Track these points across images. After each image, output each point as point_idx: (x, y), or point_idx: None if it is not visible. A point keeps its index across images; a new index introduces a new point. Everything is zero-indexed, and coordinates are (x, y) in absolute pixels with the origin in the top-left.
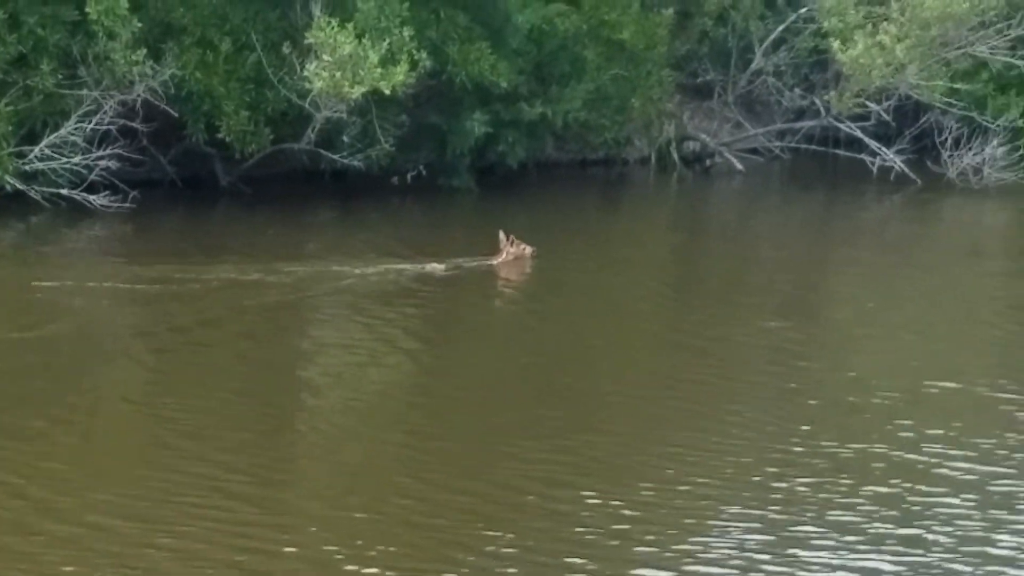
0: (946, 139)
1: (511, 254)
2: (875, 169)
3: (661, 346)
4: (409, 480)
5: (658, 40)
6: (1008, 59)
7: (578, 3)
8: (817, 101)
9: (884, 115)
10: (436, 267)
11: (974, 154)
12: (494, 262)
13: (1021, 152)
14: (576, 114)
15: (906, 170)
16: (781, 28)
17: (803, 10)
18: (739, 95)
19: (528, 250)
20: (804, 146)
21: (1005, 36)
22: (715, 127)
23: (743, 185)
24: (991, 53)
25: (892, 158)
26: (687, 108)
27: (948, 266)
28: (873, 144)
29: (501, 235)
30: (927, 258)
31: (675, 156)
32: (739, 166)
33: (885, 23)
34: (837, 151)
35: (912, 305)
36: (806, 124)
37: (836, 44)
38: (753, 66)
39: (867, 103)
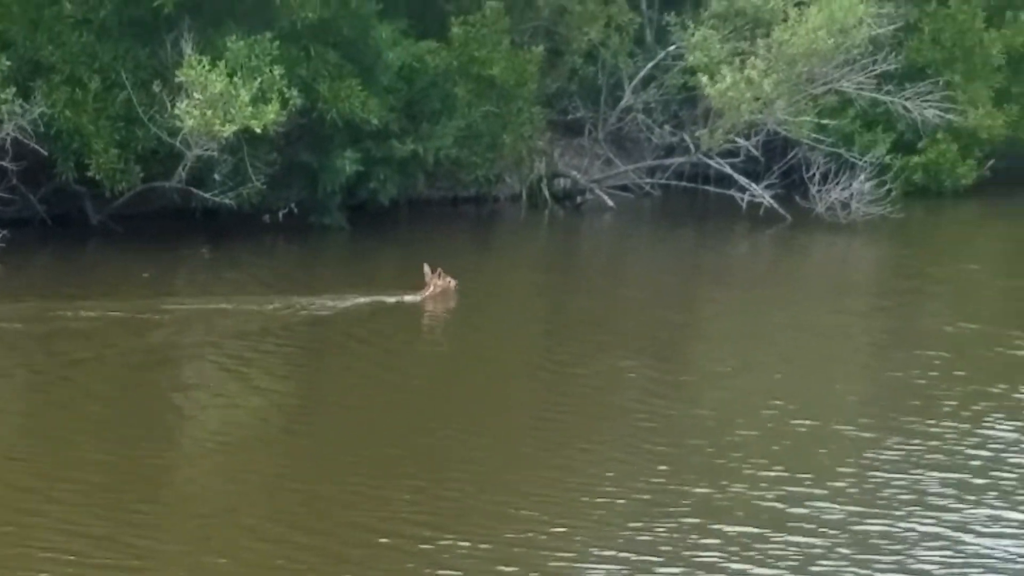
0: (814, 175)
1: (438, 287)
2: (744, 205)
3: (525, 384)
4: (269, 523)
5: (528, 77)
6: (874, 95)
7: (448, 40)
8: (687, 138)
9: (753, 151)
10: (359, 301)
11: (842, 189)
12: (419, 297)
13: (888, 187)
14: (447, 151)
15: (775, 205)
16: (650, 65)
17: (671, 47)
18: (609, 132)
19: (452, 283)
20: (674, 183)
21: (871, 73)
22: (586, 164)
23: (614, 222)
24: (857, 90)
25: (761, 194)
26: (558, 145)
27: (814, 302)
28: (742, 180)
29: (426, 268)
30: (794, 295)
31: (546, 193)
32: (610, 203)
33: (753, 58)
34: (707, 187)
35: (776, 342)
36: (676, 161)
37: (704, 78)
38: (623, 103)
39: (736, 139)
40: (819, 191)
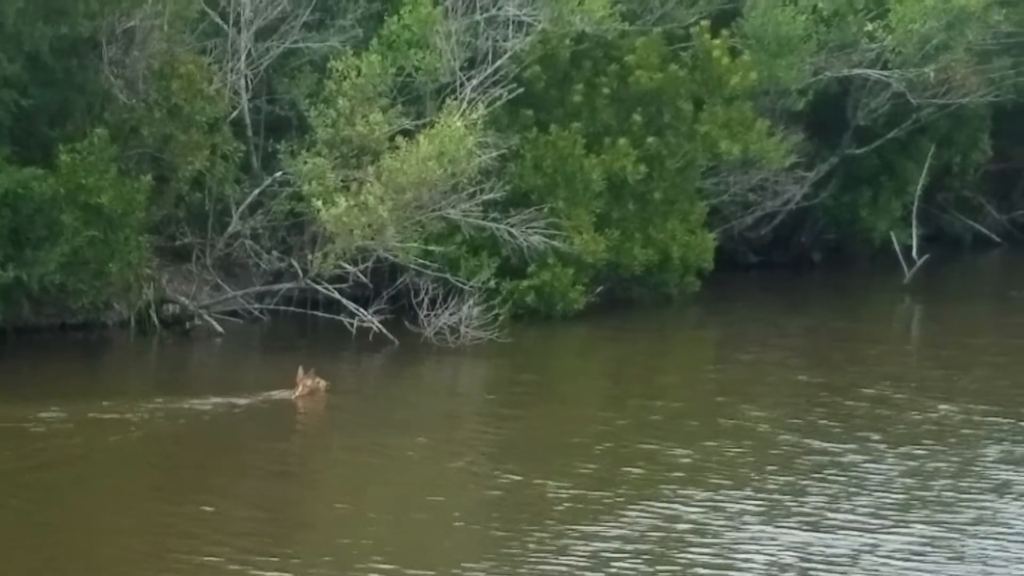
0: (423, 299)
1: (307, 387)
2: (354, 330)
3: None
4: None
5: (137, 206)
6: (480, 222)
7: (55, 167)
8: (295, 263)
9: (362, 277)
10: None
11: (450, 314)
12: (292, 396)
13: (495, 312)
14: (52, 278)
15: (384, 330)
16: (257, 192)
17: (279, 174)
18: (218, 258)
19: (322, 383)
20: (283, 308)
21: (476, 201)
22: (194, 290)
23: (223, 348)
24: (464, 216)
25: (370, 319)
26: (166, 271)
27: (420, 432)
28: (351, 305)
29: (300, 370)
30: (403, 422)
31: (155, 319)
32: (219, 328)
33: (369, 184)
34: (316, 312)
35: (376, 482)
36: (284, 286)
37: (318, 203)
38: (231, 229)
39: (344, 265)
40: (427, 316)
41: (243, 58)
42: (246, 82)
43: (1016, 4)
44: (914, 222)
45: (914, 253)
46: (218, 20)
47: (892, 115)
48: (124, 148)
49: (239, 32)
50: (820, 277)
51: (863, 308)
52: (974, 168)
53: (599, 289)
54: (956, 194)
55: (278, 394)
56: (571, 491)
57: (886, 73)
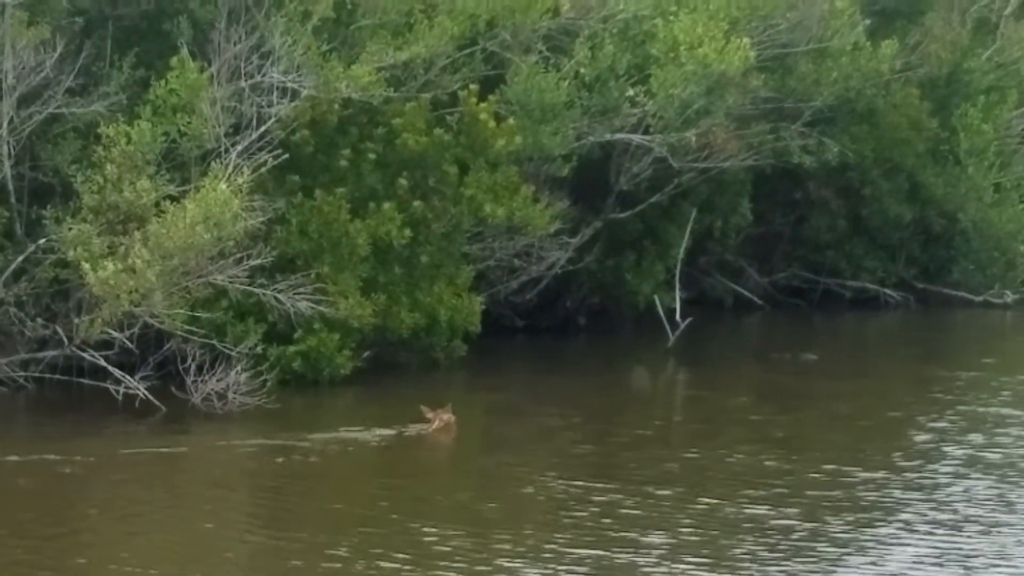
0: (190, 366)
1: (443, 421)
2: (120, 397)
3: None
4: None
5: None
6: (246, 287)
7: None
8: (60, 330)
9: (128, 343)
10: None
11: (218, 380)
12: (428, 430)
13: (263, 378)
14: None
15: (150, 397)
16: (21, 259)
17: (43, 241)
18: None
19: (453, 419)
20: (48, 376)
21: (243, 266)
22: None
23: None
24: (230, 281)
25: (136, 385)
26: None
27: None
28: (117, 372)
29: (423, 408)
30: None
31: None
32: None
33: (137, 247)
34: (82, 380)
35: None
36: (49, 354)
37: (86, 266)
38: None
39: (110, 331)
40: (195, 382)
41: (5, 124)
42: (8, 149)
43: (774, 70)
44: (677, 285)
45: (678, 316)
46: None
47: (654, 179)
48: None
49: (1, 99)
50: (586, 340)
51: (631, 368)
52: (735, 232)
53: (366, 354)
54: (718, 257)
55: (415, 427)
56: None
57: (648, 138)
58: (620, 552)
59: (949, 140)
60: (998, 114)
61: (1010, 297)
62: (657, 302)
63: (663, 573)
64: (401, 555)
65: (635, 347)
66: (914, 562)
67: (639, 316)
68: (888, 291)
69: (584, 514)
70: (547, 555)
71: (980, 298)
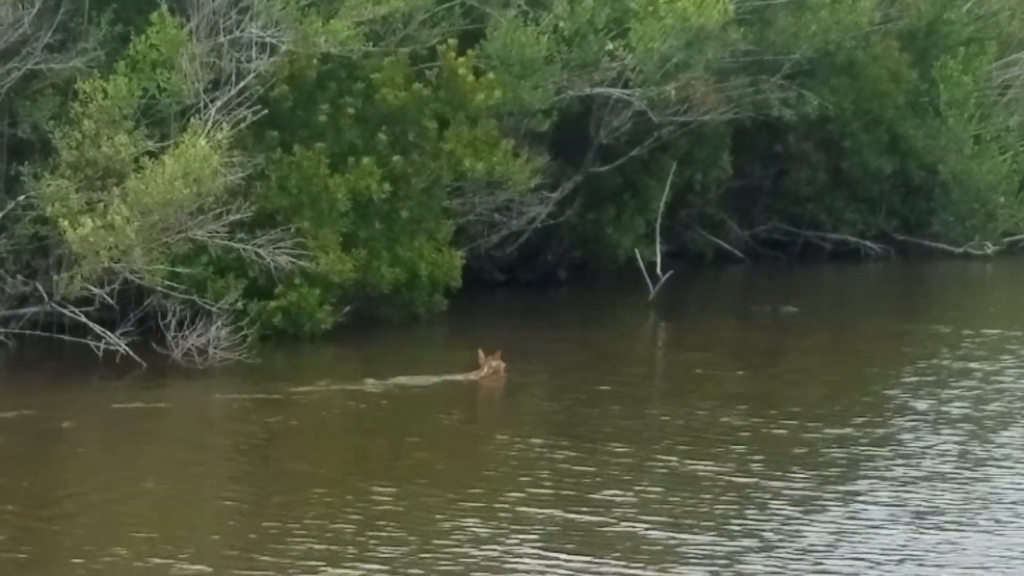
0: (170, 321)
1: (492, 368)
2: (101, 353)
3: None
4: None
5: None
6: (226, 243)
7: None
8: (40, 287)
9: (108, 299)
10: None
11: (198, 335)
12: (475, 377)
13: (244, 333)
14: None
15: (131, 353)
16: (0, 216)
17: (21, 197)
18: None
19: (502, 366)
20: (29, 332)
21: (223, 222)
22: None
23: None
24: (210, 237)
25: (117, 341)
26: None
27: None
28: (97, 328)
29: (480, 352)
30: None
31: None
32: None
33: (116, 203)
34: (63, 336)
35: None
36: (30, 310)
37: (64, 223)
38: None
39: (91, 287)
40: (175, 337)
41: None
42: None
43: (753, 23)
44: (658, 239)
45: (658, 269)
46: None
47: (634, 133)
48: None
49: None
50: (566, 294)
51: (609, 323)
52: (715, 185)
53: (346, 309)
54: (698, 211)
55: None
56: None
57: (627, 92)
58: (579, 512)
59: (929, 92)
60: (978, 66)
61: (990, 248)
62: (638, 255)
63: (623, 532)
64: (354, 515)
65: (616, 301)
66: (885, 519)
67: (620, 270)
68: (868, 243)
69: (543, 473)
70: (503, 515)
71: (960, 249)
